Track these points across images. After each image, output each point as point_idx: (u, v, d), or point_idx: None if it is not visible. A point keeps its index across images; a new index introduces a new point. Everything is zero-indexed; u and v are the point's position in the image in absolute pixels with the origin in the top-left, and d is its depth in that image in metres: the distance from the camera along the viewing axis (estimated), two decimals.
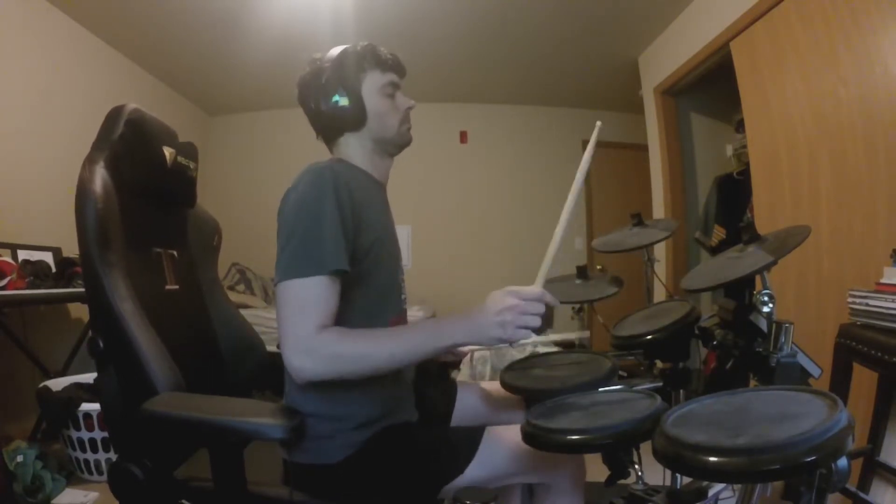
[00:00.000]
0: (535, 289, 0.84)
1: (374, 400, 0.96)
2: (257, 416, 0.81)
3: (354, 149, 1.03)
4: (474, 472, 0.89)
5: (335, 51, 1.02)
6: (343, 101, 0.98)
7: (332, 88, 0.99)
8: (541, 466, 0.93)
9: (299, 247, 0.85)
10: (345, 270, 0.86)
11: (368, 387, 0.92)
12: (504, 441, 0.91)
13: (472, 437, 0.92)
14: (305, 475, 0.93)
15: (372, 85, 1.01)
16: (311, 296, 0.83)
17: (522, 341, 0.85)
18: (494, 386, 1.21)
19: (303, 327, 0.82)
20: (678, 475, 1.14)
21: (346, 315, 0.88)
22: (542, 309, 0.82)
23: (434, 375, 1.23)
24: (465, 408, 1.17)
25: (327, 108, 0.99)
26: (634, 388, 0.89)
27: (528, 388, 1.03)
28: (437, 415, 1.15)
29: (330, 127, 1.03)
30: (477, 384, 1.23)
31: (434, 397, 1.17)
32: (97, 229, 0.90)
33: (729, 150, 3.12)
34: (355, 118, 1.00)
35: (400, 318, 1.05)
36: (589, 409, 0.82)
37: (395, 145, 1.06)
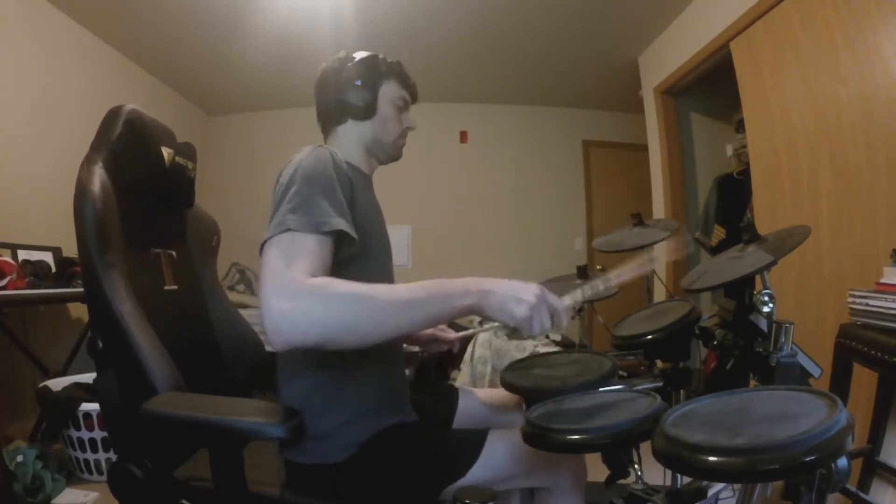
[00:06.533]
0: (563, 304, 0.83)
1: (367, 390, 0.96)
2: (257, 416, 0.81)
3: (351, 138, 1.07)
4: (477, 474, 0.89)
5: (365, 52, 1.08)
6: (362, 88, 1.04)
7: (355, 76, 1.04)
8: (543, 468, 0.93)
9: (298, 207, 0.79)
10: (344, 232, 0.81)
11: (360, 375, 0.93)
12: (507, 443, 0.91)
13: (475, 440, 0.92)
14: (306, 476, 0.93)
15: (388, 91, 1.07)
16: (302, 247, 0.75)
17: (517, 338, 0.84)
18: (495, 392, 1.22)
19: (286, 271, 0.72)
20: (678, 475, 1.14)
21: None
22: (552, 319, 0.82)
23: (433, 377, 1.23)
24: (466, 413, 1.17)
25: (346, 89, 1.04)
26: (634, 388, 0.89)
27: (528, 388, 1.03)
28: (439, 420, 1.15)
29: (339, 109, 1.06)
30: (476, 392, 1.24)
31: (435, 403, 1.17)
32: (96, 230, 0.90)
33: (729, 150, 3.12)
34: (365, 108, 1.05)
35: None
36: (589, 409, 0.82)
37: (386, 153, 1.10)
